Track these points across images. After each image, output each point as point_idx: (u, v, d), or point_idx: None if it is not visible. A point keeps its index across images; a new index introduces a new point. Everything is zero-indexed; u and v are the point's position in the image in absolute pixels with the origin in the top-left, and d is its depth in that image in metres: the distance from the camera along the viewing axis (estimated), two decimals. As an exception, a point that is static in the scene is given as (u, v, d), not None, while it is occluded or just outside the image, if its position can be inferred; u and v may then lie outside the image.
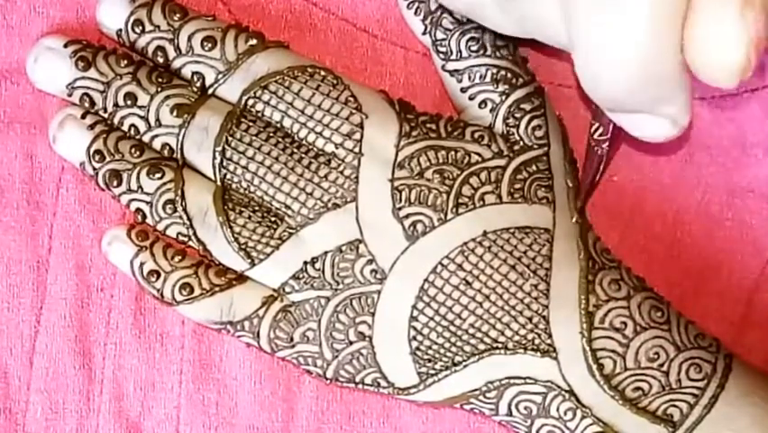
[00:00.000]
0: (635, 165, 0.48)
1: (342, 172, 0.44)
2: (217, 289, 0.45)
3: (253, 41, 0.45)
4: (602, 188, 0.48)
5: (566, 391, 0.43)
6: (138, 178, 0.45)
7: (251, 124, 0.44)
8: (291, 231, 0.44)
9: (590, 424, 0.44)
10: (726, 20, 0.32)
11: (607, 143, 0.42)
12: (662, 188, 0.48)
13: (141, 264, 0.46)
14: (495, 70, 0.45)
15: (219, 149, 0.44)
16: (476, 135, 0.44)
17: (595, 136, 0.42)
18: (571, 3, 0.33)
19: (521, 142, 0.44)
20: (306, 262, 0.44)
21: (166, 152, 0.45)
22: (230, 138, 0.44)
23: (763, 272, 0.48)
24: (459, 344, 0.44)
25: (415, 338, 0.44)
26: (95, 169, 0.46)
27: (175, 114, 0.45)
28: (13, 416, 0.47)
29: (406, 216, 0.43)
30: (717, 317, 0.48)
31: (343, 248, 0.44)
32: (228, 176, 0.45)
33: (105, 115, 0.46)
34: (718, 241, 0.48)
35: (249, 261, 0.45)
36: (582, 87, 0.34)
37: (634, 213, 0.48)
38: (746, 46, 0.32)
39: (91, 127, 0.46)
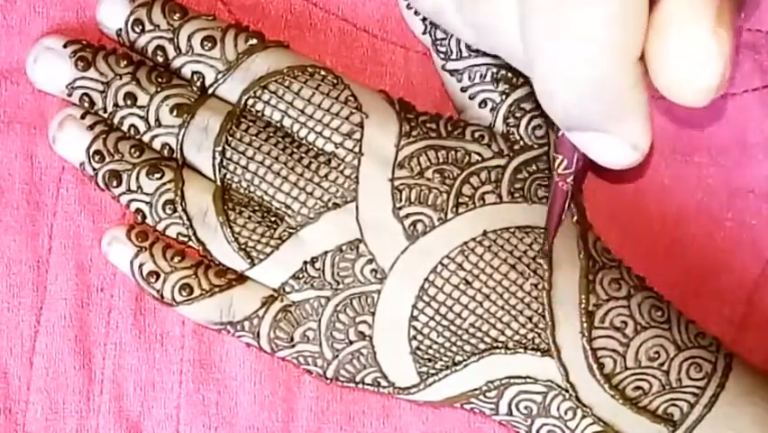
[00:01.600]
0: (636, 165, 0.48)
1: (342, 172, 0.44)
2: (217, 289, 0.45)
3: (253, 41, 0.45)
4: (602, 188, 0.48)
5: (566, 390, 0.43)
6: (137, 178, 0.45)
7: (250, 123, 0.44)
8: (291, 231, 0.44)
9: (591, 423, 0.44)
10: (700, 37, 0.31)
11: (572, 177, 0.41)
12: (662, 189, 0.48)
13: (141, 265, 0.46)
14: (495, 70, 0.45)
15: (219, 149, 0.44)
16: (476, 135, 0.44)
17: (559, 170, 0.41)
18: (528, 16, 0.32)
19: (521, 142, 0.44)
20: (306, 262, 0.44)
21: (166, 152, 0.45)
22: (230, 138, 0.44)
23: (764, 272, 0.48)
24: (459, 343, 0.44)
25: (415, 338, 0.44)
26: (94, 169, 0.46)
27: (175, 113, 0.45)
28: (13, 416, 0.47)
29: (407, 216, 0.43)
30: (717, 317, 0.48)
31: (343, 248, 0.44)
32: (228, 176, 0.45)
33: (105, 115, 0.46)
34: (718, 241, 0.48)
35: (249, 261, 0.45)
36: (540, 102, 0.34)
37: (634, 213, 0.48)
38: (721, 64, 0.31)
39: (91, 128, 0.46)
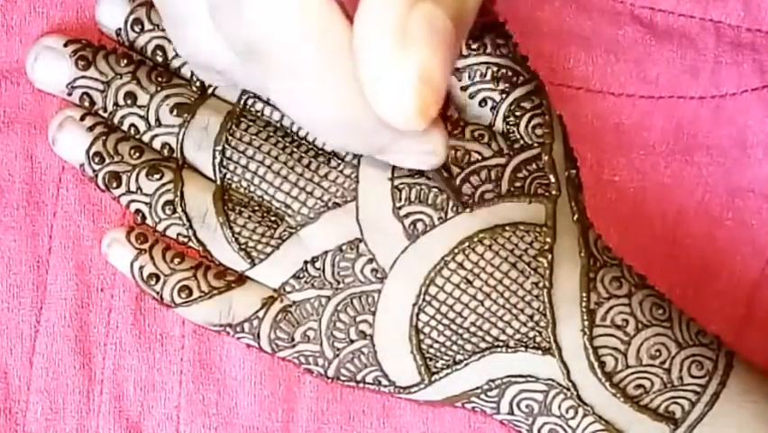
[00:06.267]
0: (636, 165, 0.48)
1: (342, 171, 0.44)
2: (215, 291, 0.45)
3: (253, 40, 0.45)
4: (602, 188, 0.48)
5: (567, 389, 0.43)
6: (137, 179, 0.45)
7: (250, 123, 0.44)
8: (291, 230, 0.44)
9: (592, 422, 0.44)
10: (385, 60, 0.29)
11: None
12: (662, 188, 0.48)
13: (141, 267, 0.46)
14: (495, 69, 0.45)
15: (219, 148, 0.44)
16: (476, 134, 0.44)
17: None
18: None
19: (521, 141, 0.44)
20: (306, 262, 0.44)
21: (166, 152, 0.45)
22: (230, 137, 0.44)
23: (763, 272, 0.48)
24: (460, 342, 0.44)
25: (416, 337, 0.44)
26: (94, 170, 0.46)
27: (175, 113, 0.45)
28: (13, 416, 0.47)
29: (407, 215, 0.43)
30: (718, 317, 0.48)
31: (344, 247, 0.44)
32: (228, 176, 0.45)
33: (105, 115, 0.46)
34: (718, 241, 0.48)
35: (249, 261, 0.45)
36: None
37: (634, 213, 0.48)
38: (414, 86, 0.29)
39: (90, 129, 0.46)
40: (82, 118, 0.46)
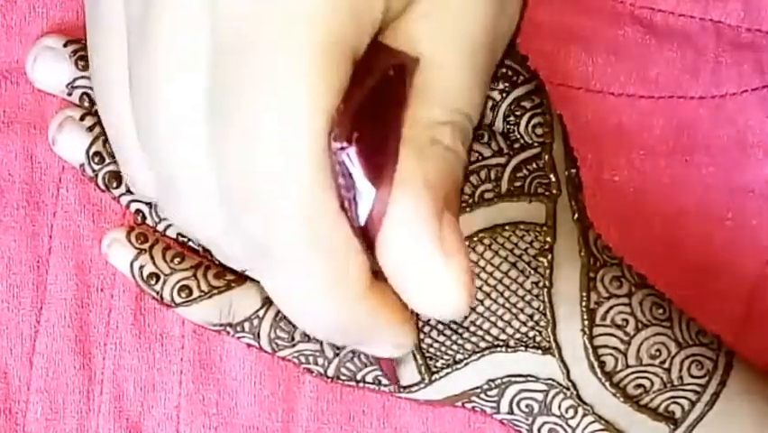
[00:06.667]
0: (636, 165, 0.48)
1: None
2: (215, 291, 0.45)
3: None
4: (602, 188, 0.48)
5: (567, 388, 0.43)
6: (137, 179, 0.45)
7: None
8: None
9: (592, 422, 0.43)
10: (432, 271, 0.32)
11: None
12: (662, 188, 0.48)
13: (141, 267, 0.46)
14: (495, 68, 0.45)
15: None
16: (476, 133, 0.44)
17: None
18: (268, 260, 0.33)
19: (521, 140, 0.44)
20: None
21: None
22: None
23: (763, 272, 0.48)
24: (460, 342, 0.44)
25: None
26: (94, 170, 0.46)
27: None
28: (13, 416, 0.47)
29: None
30: (718, 317, 0.48)
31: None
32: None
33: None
34: (718, 241, 0.48)
35: (249, 260, 0.45)
36: None
37: (634, 213, 0.48)
38: (465, 285, 0.33)
39: (90, 129, 0.46)
40: (82, 118, 0.46)
